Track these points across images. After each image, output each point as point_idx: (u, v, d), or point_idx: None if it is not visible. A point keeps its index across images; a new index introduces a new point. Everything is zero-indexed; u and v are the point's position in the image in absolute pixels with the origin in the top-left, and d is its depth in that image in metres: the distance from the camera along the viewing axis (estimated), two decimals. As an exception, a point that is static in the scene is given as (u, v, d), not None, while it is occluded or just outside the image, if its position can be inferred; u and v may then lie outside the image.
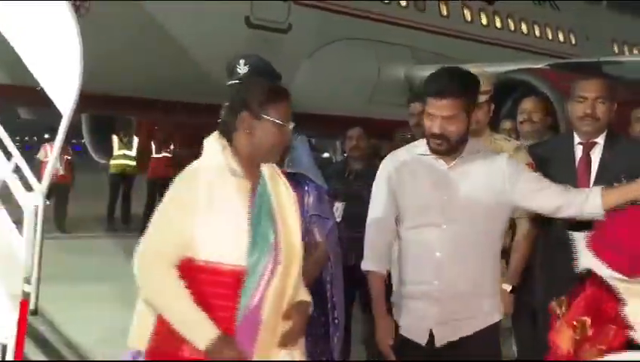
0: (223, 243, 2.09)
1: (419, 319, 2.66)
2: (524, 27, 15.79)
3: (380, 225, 2.77)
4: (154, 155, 11.85)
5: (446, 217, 2.58)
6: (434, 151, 2.64)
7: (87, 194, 12.48)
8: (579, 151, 3.21)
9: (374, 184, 2.87)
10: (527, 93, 10.31)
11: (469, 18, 14.50)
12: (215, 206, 2.09)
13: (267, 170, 2.27)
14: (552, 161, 3.17)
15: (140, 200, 11.53)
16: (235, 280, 2.08)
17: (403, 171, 2.74)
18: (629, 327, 1.90)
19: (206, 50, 10.06)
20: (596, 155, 3.15)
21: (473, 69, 3.00)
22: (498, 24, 15.17)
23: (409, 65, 12.53)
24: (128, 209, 11.79)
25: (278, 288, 2.14)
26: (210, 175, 2.13)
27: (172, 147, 11.99)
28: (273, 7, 10.84)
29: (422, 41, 13.12)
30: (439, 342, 2.61)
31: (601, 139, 3.15)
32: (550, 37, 16.44)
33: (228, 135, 2.22)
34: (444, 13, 13.97)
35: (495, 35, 14.95)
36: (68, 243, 9.79)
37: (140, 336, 2.27)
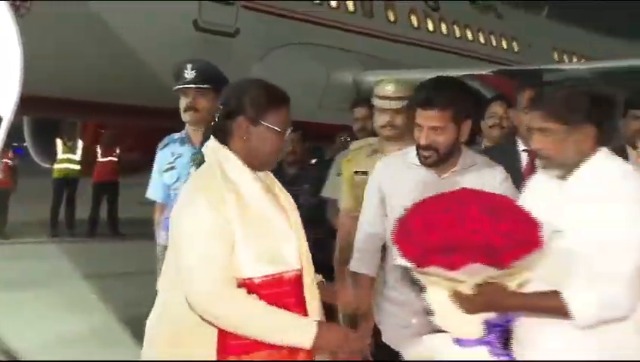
0: (275, 253, 1.97)
1: (399, 327, 2.65)
2: (469, 34, 16.05)
3: (370, 230, 2.77)
4: (99, 159, 11.66)
5: None
6: (423, 163, 2.59)
7: (32, 198, 12.16)
8: (524, 158, 3.25)
9: (366, 188, 2.85)
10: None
11: (415, 24, 14.65)
12: (250, 216, 1.96)
13: (263, 176, 2.13)
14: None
15: (85, 205, 11.32)
16: (297, 284, 2.00)
17: (395, 178, 2.71)
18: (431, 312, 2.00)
19: (154, 52, 9.93)
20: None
21: (386, 77, 2.99)
22: (444, 30, 15.37)
23: (357, 71, 12.60)
24: (72, 213, 11.52)
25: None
26: (230, 184, 1.98)
27: (118, 151, 11.80)
28: (221, 11, 10.77)
29: (370, 46, 13.20)
30: None
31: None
32: (494, 44, 16.74)
33: (223, 139, 2.07)
34: (392, 19, 14.08)
35: (441, 42, 15.15)
36: (10, 248, 9.53)
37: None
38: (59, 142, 11.65)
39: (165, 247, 2.89)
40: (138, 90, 10.16)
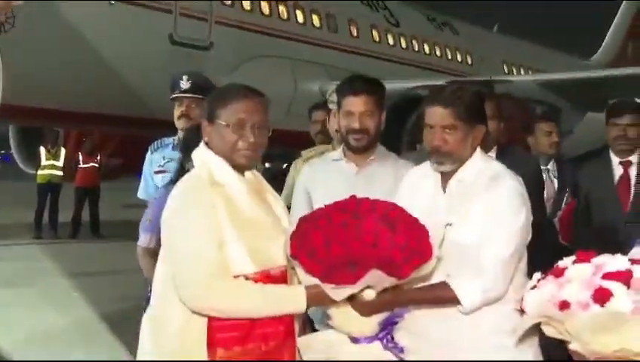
0: (262, 251, 1.92)
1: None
2: (426, 48, 16.19)
3: None
4: (81, 165, 11.57)
5: None
6: (353, 148, 2.64)
7: (17, 202, 11.97)
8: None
9: (294, 192, 2.85)
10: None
11: (377, 38, 14.75)
12: (237, 215, 1.92)
13: (250, 176, 2.07)
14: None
15: (67, 208, 11.18)
16: (282, 280, 1.94)
17: (317, 177, 2.74)
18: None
19: (132, 65, 9.91)
20: None
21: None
22: (404, 44, 15.49)
23: (323, 81, 12.65)
24: (56, 216, 11.38)
25: None
26: (217, 186, 1.94)
27: (99, 157, 11.72)
28: (195, 26, 10.74)
29: (335, 59, 13.26)
30: None
31: (492, 153, 3.23)
32: (450, 57, 16.91)
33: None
34: (355, 34, 14.16)
35: (401, 55, 15.27)
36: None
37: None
38: (42, 149, 11.52)
39: (143, 249, 2.89)
40: (118, 100, 10.10)
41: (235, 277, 1.88)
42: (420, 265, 1.88)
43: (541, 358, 2.15)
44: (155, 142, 3.47)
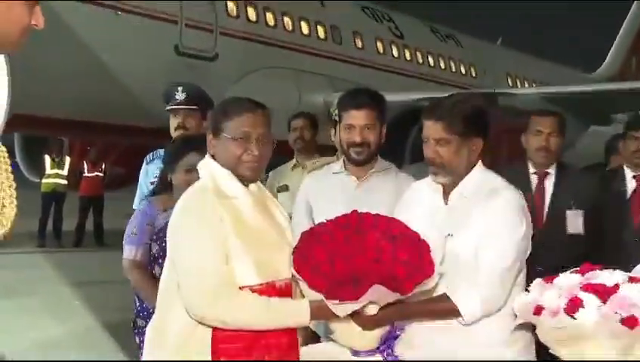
0: (267, 263, 1.92)
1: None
2: (430, 60, 16.21)
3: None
4: (86, 174, 11.57)
5: None
6: (353, 161, 2.65)
7: (21, 210, 11.95)
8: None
9: (295, 203, 2.85)
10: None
11: (381, 50, 14.77)
12: (242, 227, 1.92)
13: (255, 188, 2.07)
14: None
15: (71, 217, 11.18)
16: (287, 292, 1.95)
17: (318, 189, 2.75)
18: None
19: (138, 75, 9.93)
20: None
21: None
22: (408, 56, 15.51)
23: (327, 93, 12.65)
24: (60, 225, 11.38)
25: None
26: (223, 198, 1.94)
27: (104, 166, 11.72)
28: (201, 37, 10.77)
29: (339, 70, 13.27)
30: None
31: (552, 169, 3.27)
32: (454, 69, 16.93)
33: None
34: (360, 45, 14.18)
35: (404, 66, 15.29)
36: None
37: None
38: (47, 158, 11.54)
39: (129, 261, 2.87)
40: (123, 110, 10.12)
41: (241, 288, 1.88)
42: (422, 281, 1.88)
43: None
44: (151, 153, 3.49)
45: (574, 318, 1.72)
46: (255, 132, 1.99)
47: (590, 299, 1.73)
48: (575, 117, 13.36)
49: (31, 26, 1.39)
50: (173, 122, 3.37)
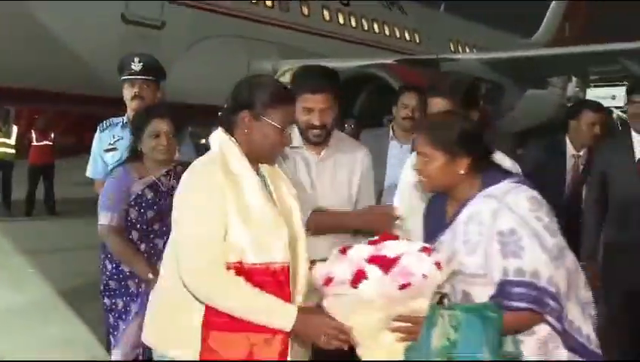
0: (263, 244, 1.89)
1: None
2: (376, 27, 16.23)
3: None
4: (34, 143, 11.26)
5: (312, 207, 2.51)
6: (313, 142, 2.62)
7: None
8: None
9: None
10: (380, 85, 10.68)
11: (327, 18, 14.71)
12: (244, 205, 1.90)
13: (268, 169, 2.06)
14: None
15: (21, 187, 10.90)
16: (282, 276, 1.90)
17: (283, 163, 2.72)
18: None
19: (85, 44, 9.70)
20: None
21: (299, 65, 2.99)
22: (353, 23, 15.49)
23: (275, 60, 12.58)
24: (9, 195, 11.08)
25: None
26: (229, 174, 1.92)
27: (52, 135, 11.44)
28: (147, 5, 10.53)
29: (287, 37, 13.18)
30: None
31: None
32: (398, 36, 16.99)
33: (229, 131, 1.99)
34: (306, 13, 14.09)
35: (351, 33, 15.27)
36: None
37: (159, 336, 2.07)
38: (-7, 127, 11.16)
39: (106, 227, 2.85)
40: (71, 78, 9.87)
41: (236, 263, 1.88)
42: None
43: None
44: (104, 122, 3.45)
45: (355, 290, 1.76)
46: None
47: (373, 272, 1.77)
48: (514, 81, 13.65)
49: None
50: (129, 92, 3.31)
